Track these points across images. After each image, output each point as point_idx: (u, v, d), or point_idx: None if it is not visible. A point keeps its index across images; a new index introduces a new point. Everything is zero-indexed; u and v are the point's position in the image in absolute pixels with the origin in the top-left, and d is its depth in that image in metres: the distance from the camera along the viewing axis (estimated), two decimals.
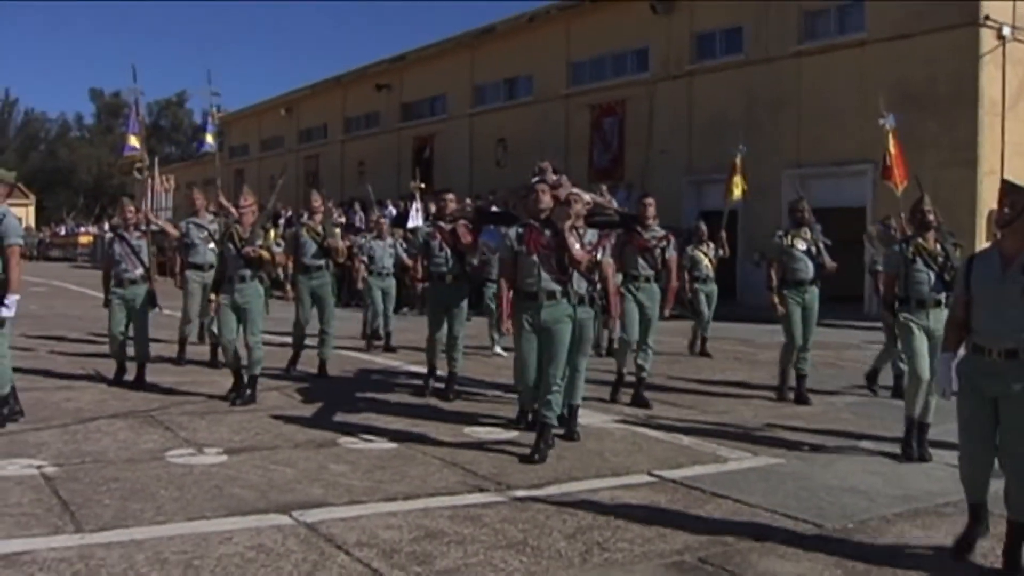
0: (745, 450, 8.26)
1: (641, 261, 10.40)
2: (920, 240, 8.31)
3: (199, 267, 12.77)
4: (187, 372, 11.94)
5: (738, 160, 16.40)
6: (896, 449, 8.23)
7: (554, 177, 9.11)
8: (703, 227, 15.86)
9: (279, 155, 49.65)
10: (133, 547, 5.34)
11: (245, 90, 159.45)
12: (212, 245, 12.12)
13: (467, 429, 8.88)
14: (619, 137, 30.89)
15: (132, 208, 11.43)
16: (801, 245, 10.93)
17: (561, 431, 8.42)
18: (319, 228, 12.21)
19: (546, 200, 8.15)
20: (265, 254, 10.08)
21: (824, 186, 24.37)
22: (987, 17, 21.87)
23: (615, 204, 12.15)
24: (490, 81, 36.96)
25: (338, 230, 12.79)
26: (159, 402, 9.76)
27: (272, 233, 10.49)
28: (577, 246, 7.97)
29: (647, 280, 10.45)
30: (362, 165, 43.28)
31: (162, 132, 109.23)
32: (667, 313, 10.58)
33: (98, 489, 6.55)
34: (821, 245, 11.07)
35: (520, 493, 6.68)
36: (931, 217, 8.32)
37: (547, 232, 8.01)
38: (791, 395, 10.90)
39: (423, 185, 25.12)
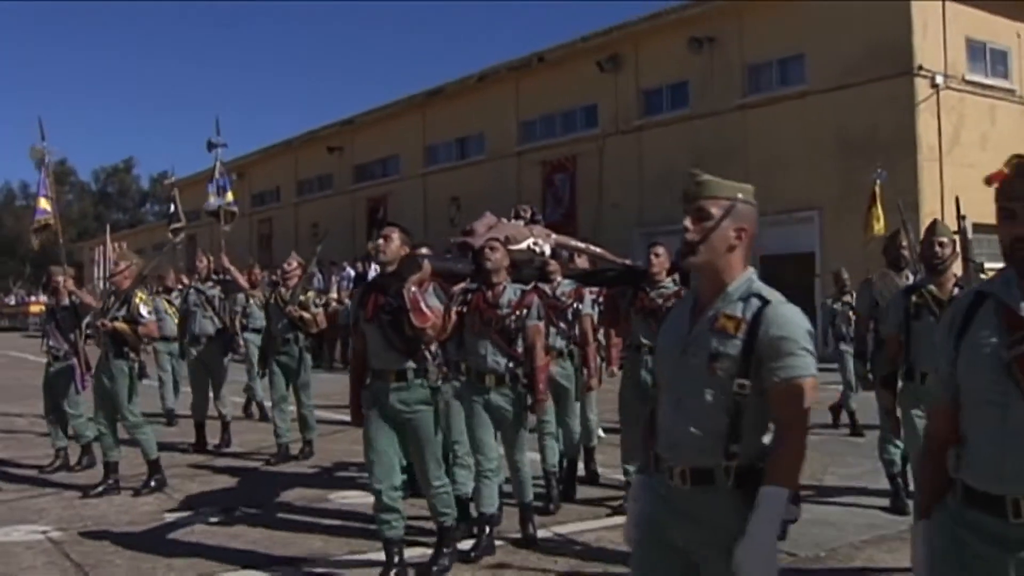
0: None
1: (647, 327, 7.80)
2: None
3: (195, 338, 12.00)
4: (174, 435, 12.17)
5: (877, 188, 14.07)
6: (858, 482, 8.70)
7: (492, 219, 8.18)
8: None
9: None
10: None
11: (196, 156, 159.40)
12: (210, 313, 11.86)
13: None
14: (571, 192, 31.52)
15: (59, 278, 10.35)
16: None
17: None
18: (287, 296, 10.87)
19: (391, 250, 6.33)
20: (121, 327, 8.97)
21: (774, 234, 25.04)
22: (920, 67, 22.78)
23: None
24: (441, 141, 37.55)
25: (310, 295, 11.19)
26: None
27: (140, 298, 9.19)
28: (424, 306, 6.14)
29: (652, 351, 7.15)
30: (316, 227, 43.58)
31: (110, 199, 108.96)
32: None
33: (106, 550, 6.85)
34: None
35: (511, 536, 7.04)
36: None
37: (392, 291, 6.26)
38: None
39: None
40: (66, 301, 10.16)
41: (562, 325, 8.44)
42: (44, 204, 11.40)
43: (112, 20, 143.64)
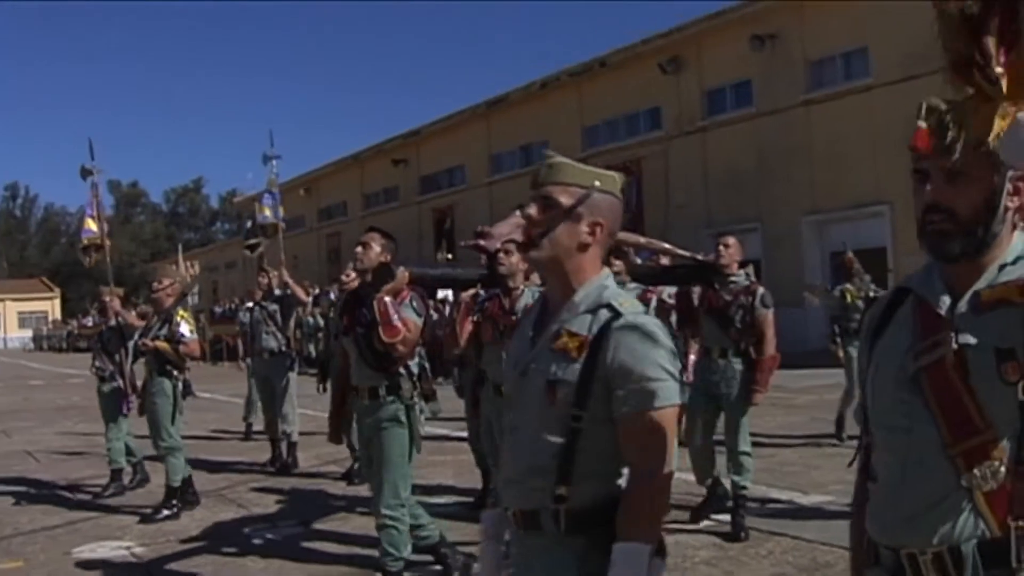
0: (795, 490, 8.60)
1: (715, 328, 7.45)
2: None
3: (257, 353, 11.89)
4: (247, 450, 12.33)
5: None
6: None
7: (520, 219, 7.70)
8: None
9: (301, 235, 50.42)
10: None
11: (263, 172, 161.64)
12: (273, 329, 11.84)
13: None
14: (637, 196, 31.40)
15: (106, 298, 10.43)
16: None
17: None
18: None
19: (369, 258, 5.94)
20: (162, 345, 8.68)
21: (842, 230, 24.77)
22: None
23: None
24: (506, 149, 37.67)
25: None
26: (227, 481, 10.16)
27: (181, 315, 8.92)
28: (395, 319, 5.71)
29: (723, 355, 7.37)
30: None
31: (180, 219, 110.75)
32: (759, 400, 7.46)
33: (188, 566, 6.95)
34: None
35: None
36: None
37: (368, 303, 5.85)
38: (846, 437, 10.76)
39: (450, 256, 25.66)
40: (113, 322, 10.08)
41: None
42: (90, 224, 11.26)
43: (179, 41, 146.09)
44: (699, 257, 8.39)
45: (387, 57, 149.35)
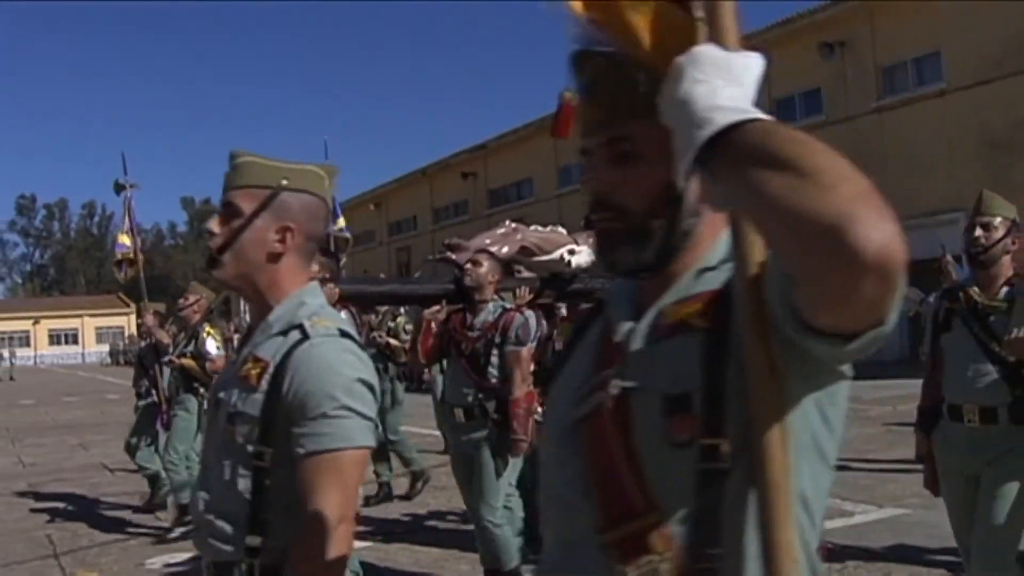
0: (869, 503, 8.45)
1: None
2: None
3: None
4: None
5: None
6: None
7: (509, 228, 7.06)
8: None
9: (370, 249, 50.80)
10: None
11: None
12: None
13: None
14: None
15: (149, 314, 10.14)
16: None
17: None
18: (375, 322, 10.47)
19: None
20: (187, 362, 8.61)
21: (916, 238, 24.26)
22: None
23: None
24: (575, 161, 37.59)
25: (400, 320, 10.55)
26: None
27: (208, 331, 8.73)
28: None
29: None
30: None
31: None
32: None
33: None
34: None
35: None
36: None
37: None
38: None
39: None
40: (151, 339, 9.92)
41: None
42: (124, 239, 10.98)
43: (250, 57, 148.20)
44: None
45: (454, 71, 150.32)
